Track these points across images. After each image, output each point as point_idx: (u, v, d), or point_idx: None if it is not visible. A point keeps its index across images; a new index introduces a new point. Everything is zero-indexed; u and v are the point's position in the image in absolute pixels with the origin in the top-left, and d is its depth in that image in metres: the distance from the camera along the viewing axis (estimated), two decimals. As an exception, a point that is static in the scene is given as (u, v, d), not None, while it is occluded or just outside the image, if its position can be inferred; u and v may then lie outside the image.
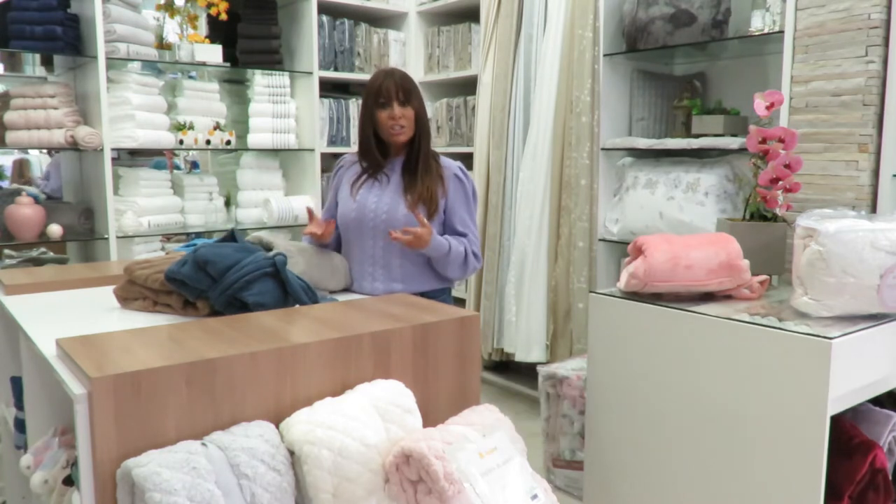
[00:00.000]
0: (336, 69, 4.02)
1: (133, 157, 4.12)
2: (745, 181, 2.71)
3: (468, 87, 4.05)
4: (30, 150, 4.72)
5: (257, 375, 1.29)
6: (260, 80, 3.73)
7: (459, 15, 4.16)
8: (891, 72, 2.20)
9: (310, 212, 2.23)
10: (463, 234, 2.21)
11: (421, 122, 2.19)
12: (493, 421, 1.48)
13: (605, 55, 3.07)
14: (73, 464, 1.47)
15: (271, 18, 3.74)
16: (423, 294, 2.13)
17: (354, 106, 4.10)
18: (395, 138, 2.16)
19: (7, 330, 2.01)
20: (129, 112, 3.25)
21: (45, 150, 4.26)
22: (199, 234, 3.60)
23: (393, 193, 2.17)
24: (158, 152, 4.21)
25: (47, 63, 3.91)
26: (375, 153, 2.20)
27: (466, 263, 2.19)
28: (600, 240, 3.17)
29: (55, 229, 3.23)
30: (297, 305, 1.70)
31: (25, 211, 3.19)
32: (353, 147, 4.10)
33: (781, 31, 2.44)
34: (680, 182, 2.80)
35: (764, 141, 2.13)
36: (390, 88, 2.13)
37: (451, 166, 2.24)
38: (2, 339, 2.07)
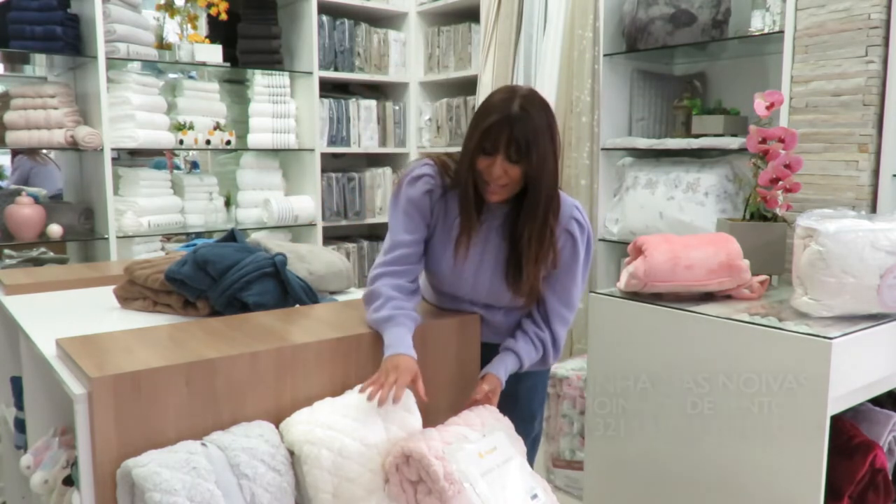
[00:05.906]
0: (336, 69, 4.02)
1: (133, 157, 4.12)
2: (745, 181, 2.71)
3: (468, 87, 4.05)
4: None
5: (257, 375, 1.29)
6: (260, 80, 3.72)
7: (459, 15, 4.15)
8: (891, 72, 2.20)
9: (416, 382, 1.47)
10: (546, 321, 1.71)
11: (535, 180, 1.55)
12: (493, 421, 1.48)
13: (605, 55, 3.07)
14: (73, 464, 1.47)
15: (271, 18, 3.74)
16: None
17: (354, 106, 4.09)
18: (487, 196, 1.59)
19: (7, 330, 2.01)
20: (129, 112, 3.24)
21: (45, 151, 4.25)
22: (199, 234, 3.60)
23: (493, 265, 1.66)
24: (158, 152, 4.21)
25: (48, 63, 3.90)
26: (471, 205, 1.61)
27: (544, 360, 1.75)
28: (600, 240, 3.17)
29: (55, 229, 3.23)
30: (297, 305, 1.70)
31: (25, 211, 3.19)
32: (353, 147, 4.08)
33: (781, 31, 2.44)
34: (680, 182, 2.80)
35: (764, 141, 2.13)
36: (500, 136, 1.52)
37: (565, 217, 1.65)
38: (2, 339, 2.07)
